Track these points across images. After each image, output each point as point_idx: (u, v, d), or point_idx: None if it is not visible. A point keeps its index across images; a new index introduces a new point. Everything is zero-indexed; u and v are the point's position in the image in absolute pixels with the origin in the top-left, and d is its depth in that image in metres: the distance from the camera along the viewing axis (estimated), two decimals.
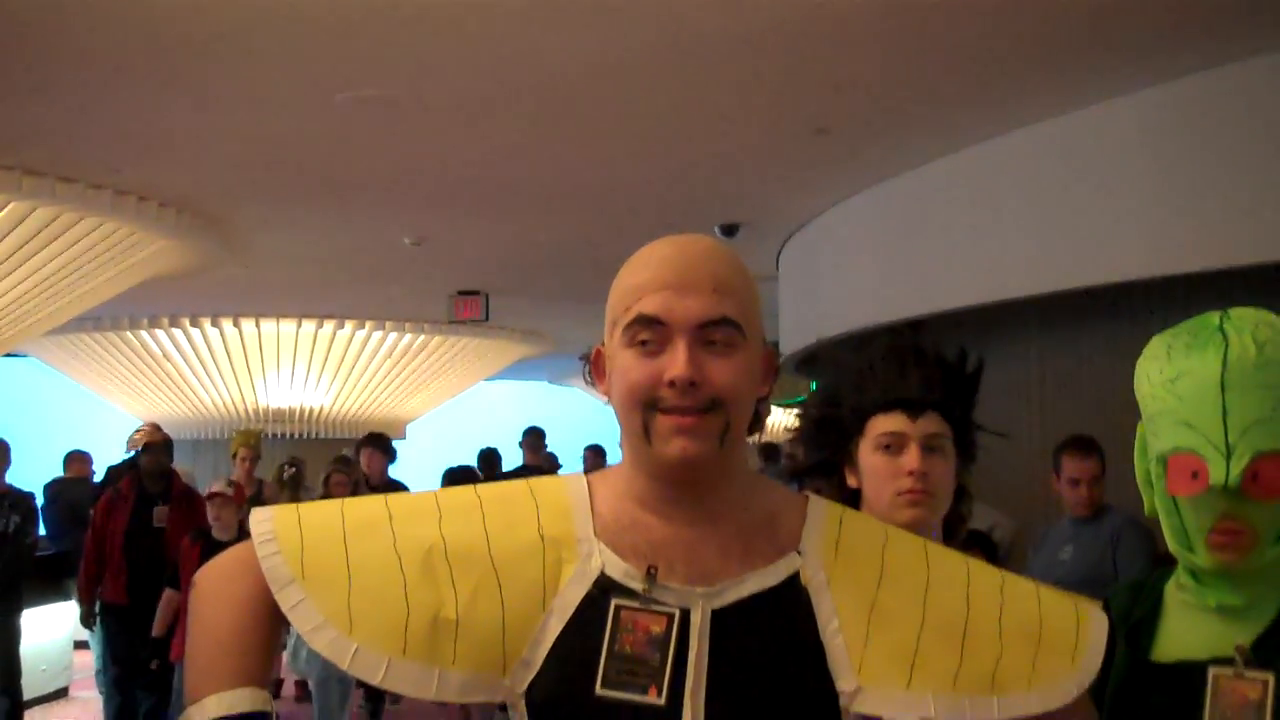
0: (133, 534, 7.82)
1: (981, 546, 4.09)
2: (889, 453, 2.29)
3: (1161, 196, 6.52)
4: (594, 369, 1.65)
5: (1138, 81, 6.50)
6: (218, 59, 6.12)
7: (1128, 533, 5.18)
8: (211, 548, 6.44)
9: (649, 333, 1.53)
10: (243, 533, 6.25)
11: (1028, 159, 7.45)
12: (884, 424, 2.30)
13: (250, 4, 5.43)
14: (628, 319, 1.55)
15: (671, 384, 1.51)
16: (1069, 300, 7.37)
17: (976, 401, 2.42)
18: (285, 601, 1.56)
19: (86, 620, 8.09)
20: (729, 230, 9.76)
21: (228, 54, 6.05)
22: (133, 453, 8.45)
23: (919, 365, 2.33)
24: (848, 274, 9.59)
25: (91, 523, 8.10)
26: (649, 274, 1.56)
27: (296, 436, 15.74)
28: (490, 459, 11.35)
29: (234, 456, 9.29)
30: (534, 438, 11.26)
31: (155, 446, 8.08)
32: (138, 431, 8.49)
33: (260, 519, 1.63)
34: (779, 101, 6.96)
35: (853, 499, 2.32)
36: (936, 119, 7.34)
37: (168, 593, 7.07)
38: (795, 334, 10.32)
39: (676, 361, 1.51)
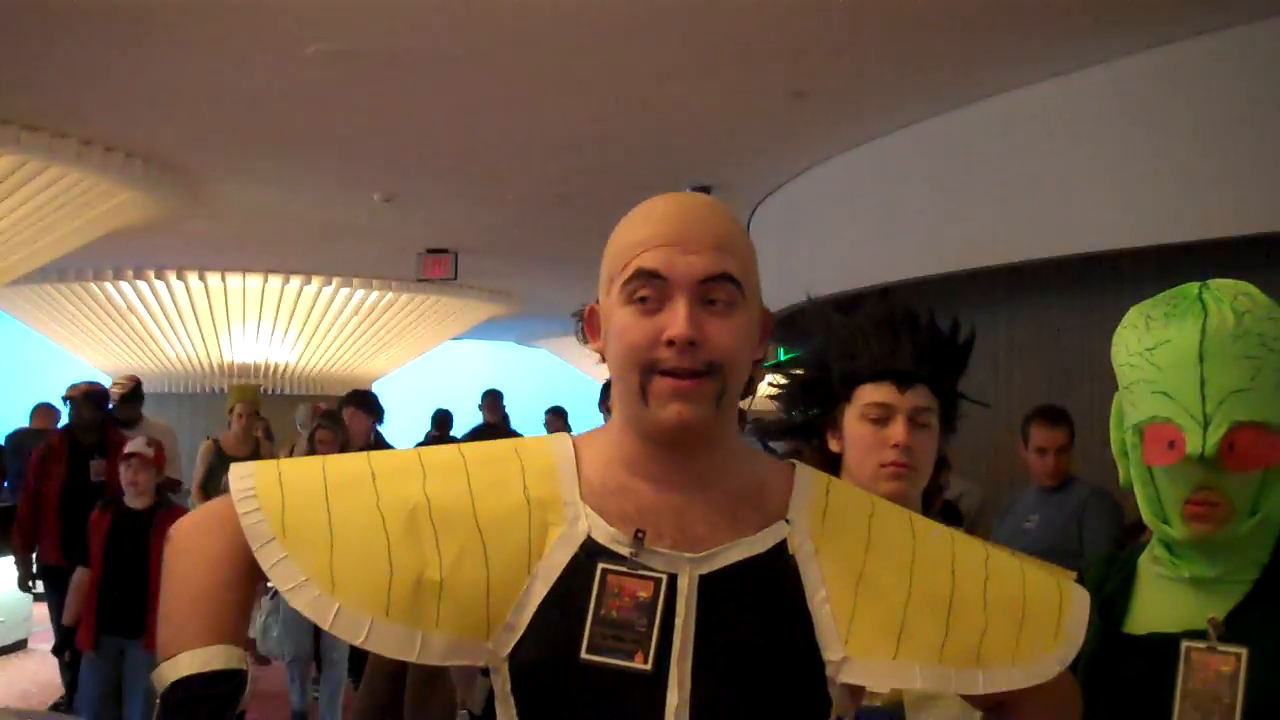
0: (69, 491, 7.38)
1: (946, 514, 4.09)
2: (875, 424, 2.26)
3: (1134, 167, 6.52)
4: (587, 326, 1.62)
5: (1112, 50, 6.50)
6: (187, 9, 6.04)
7: (1094, 503, 5.19)
8: (125, 518, 5.98)
9: (648, 288, 1.50)
10: (159, 502, 6.04)
11: (1001, 127, 7.44)
12: (872, 394, 2.27)
13: None
14: (626, 274, 1.52)
15: (670, 343, 1.48)
16: (1039, 270, 7.38)
17: (964, 372, 2.38)
18: (265, 560, 1.53)
19: (23, 583, 7.80)
20: (702, 191, 9.71)
21: (198, 4, 5.97)
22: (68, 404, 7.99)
23: (912, 336, 2.29)
24: (820, 239, 9.58)
25: (24, 480, 7.78)
26: (649, 229, 1.53)
27: (262, 392, 15.67)
28: (443, 420, 11.48)
29: (230, 412, 8.73)
30: (492, 399, 11.89)
31: (79, 399, 7.63)
32: (71, 387, 8.04)
33: (240, 475, 1.60)
34: (754, 63, 6.93)
35: (833, 464, 2.29)
36: (911, 84, 7.32)
37: (79, 572, 6.26)
38: (767, 298, 10.27)
39: (676, 320, 1.48)
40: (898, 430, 2.24)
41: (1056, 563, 1.79)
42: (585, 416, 11.40)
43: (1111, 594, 2.04)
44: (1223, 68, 6.15)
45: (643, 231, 1.53)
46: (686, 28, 6.28)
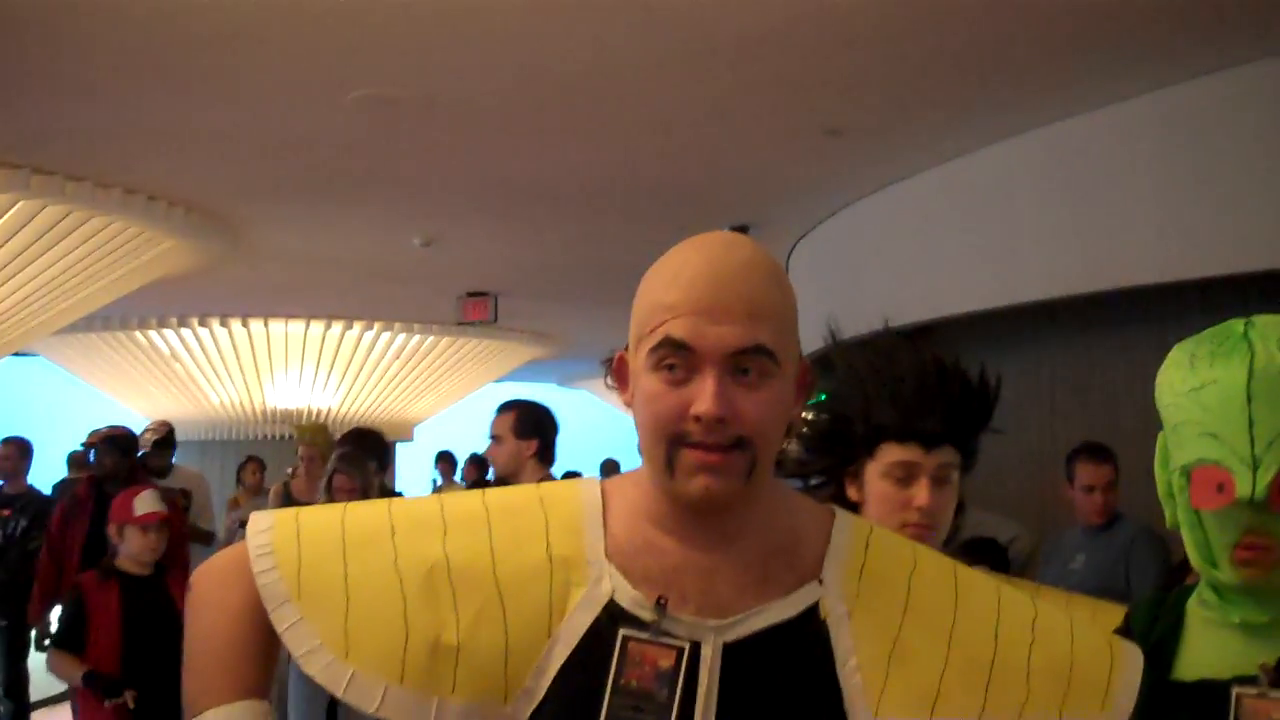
0: (91, 547, 6.60)
1: (993, 558, 4.04)
2: (898, 482, 2.23)
3: (1174, 201, 6.47)
4: (616, 375, 1.57)
5: (1151, 84, 6.45)
6: (228, 56, 6.09)
7: (1141, 542, 5.12)
8: (130, 589, 5.22)
9: (676, 358, 1.44)
10: (159, 565, 5.35)
11: (1040, 162, 7.40)
12: (897, 453, 2.23)
13: (261, 8, 5.40)
14: (654, 341, 1.46)
15: (698, 419, 1.43)
16: (1081, 305, 7.32)
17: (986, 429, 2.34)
18: (280, 622, 1.51)
19: (39, 642, 7.05)
20: (740, 230, 9.72)
21: (238, 52, 6.02)
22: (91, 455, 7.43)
23: (942, 394, 2.25)
24: (859, 277, 9.55)
25: (47, 534, 7.12)
26: (679, 293, 1.45)
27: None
28: (481, 463, 11.43)
29: (297, 455, 7.74)
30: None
31: (101, 444, 7.03)
32: (93, 432, 7.53)
33: (258, 528, 1.58)
34: (790, 102, 6.92)
35: (851, 510, 2.26)
36: (948, 121, 7.29)
37: (56, 656, 5.24)
38: (805, 338, 10.25)
39: (704, 395, 1.42)
40: (921, 493, 2.21)
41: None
42: (627, 457, 11.34)
43: (1160, 639, 2.00)
44: (1259, 102, 6.10)
45: (672, 295, 1.46)
46: (721, 68, 6.29)
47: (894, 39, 5.89)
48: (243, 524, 6.47)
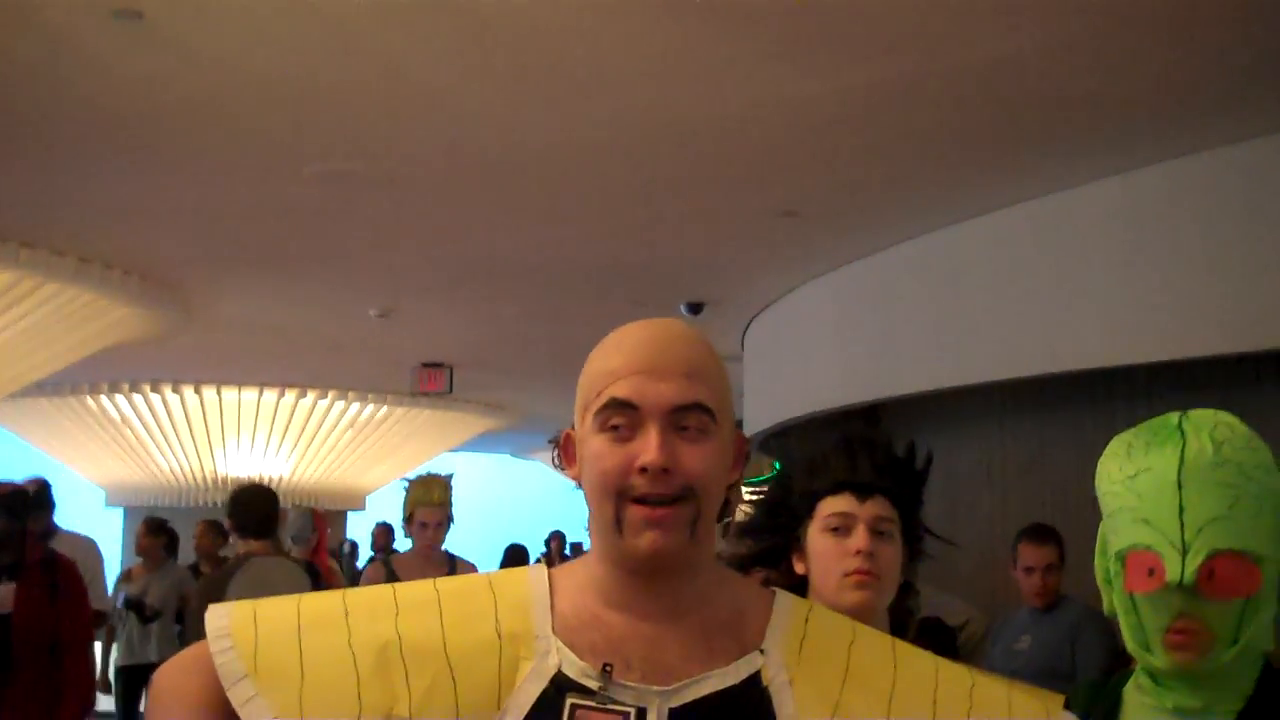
0: None
1: (941, 640, 4.04)
2: (837, 534, 2.32)
3: (1124, 286, 6.57)
4: (563, 453, 1.63)
5: (1102, 170, 6.57)
6: (185, 129, 6.12)
7: (1087, 624, 5.14)
8: None
9: (621, 417, 1.51)
10: None
11: (992, 245, 7.50)
12: (833, 505, 2.33)
13: (217, 76, 5.44)
14: (599, 403, 1.53)
15: (643, 470, 1.49)
16: (1032, 387, 7.39)
17: (924, 496, 2.45)
18: (237, 698, 1.54)
19: None
20: (695, 308, 9.79)
21: (195, 125, 6.05)
22: None
23: (869, 453, 2.36)
24: (813, 355, 9.62)
25: None
26: (621, 359, 1.55)
27: None
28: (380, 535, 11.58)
29: (407, 521, 5.97)
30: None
31: None
32: None
33: (216, 615, 1.61)
34: (746, 183, 7.01)
35: (800, 586, 2.31)
36: (903, 203, 7.39)
37: None
38: (760, 414, 10.33)
39: (649, 447, 1.49)
40: (859, 537, 2.29)
41: (1049, 686, 1.77)
42: (577, 531, 11.24)
43: None
44: (1208, 189, 6.22)
45: (615, 360, 1.55)
46: (677, 150, 6.37)
47: (849, 123, 5.97)
48: (128, 604, 6.22)
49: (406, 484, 5.93)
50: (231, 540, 7.28)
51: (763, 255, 8.71)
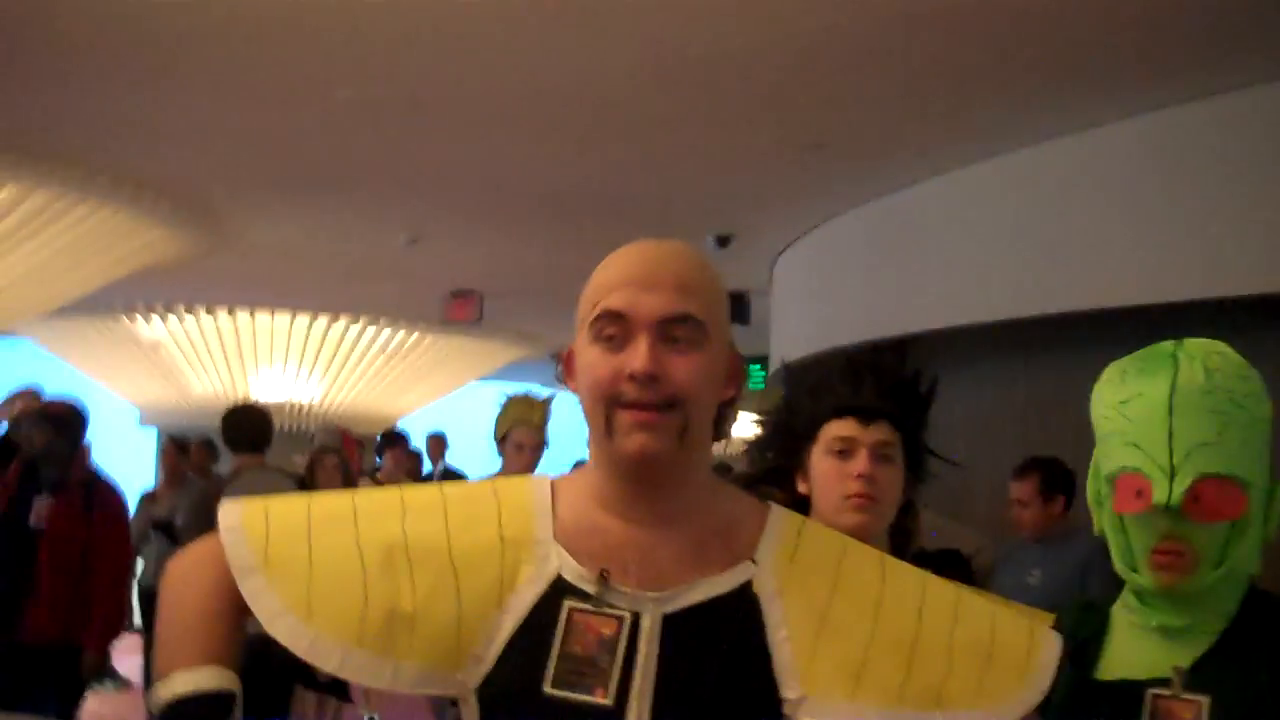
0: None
1: (958, 570, 4.09)
2: (840, 458, 2.35)
3: (1152, 223, 6.55)
4: (565, 369, 1.67)
5: (1128, 109, 6.54)
6: (218, 52, 6.15)
7: (1100, 557, 5.15)
8: None
9: (613, 327, 1.56)
10: None
11: (1019, 182, 7.48)
12: (836, 429, 2.36)
13: (250, 3, 5.47)
14: (593, 315, 1.58)
15: (632, 377, 1.54)
16: (1057, 324, 7.39)
17: (928, 419, 2.47)
18: (247, 589, 1.60)
19: None
20: (723, 240, 9.79)
21: (228, 47, 6.08)
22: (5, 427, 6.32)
23: (874, 377, 2.39)
24: (839, 289, 9.62)
25: None
26: (615, 272, 1.60)
27: (286, 429, 15.69)
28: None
29: (501, 440, 5.64)
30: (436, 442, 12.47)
31: (32, 419, 5.92)
32: (15, 397, 6.56)
33: (229, 510, 1.67)
34: (774, 115, 7.00)
35: (803, 505, 2.36)
36: (930, 139, 7.38)
37: None
38: (787, 346, 10.34)
39: (638, 355, 1.54)
40: (860, 461, 2.32)
41: None
42: None
43: (1085, 640, 2.08)
44: (1233, 128, 6.22)
45: (609, 274, 1.61)
46: (705, 80, 6.36)
47: (878, 56, 5.97)
48: (155, 525, 6.24)
49: (503, 402, 5.66)
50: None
51: (790, 188, 8.69)
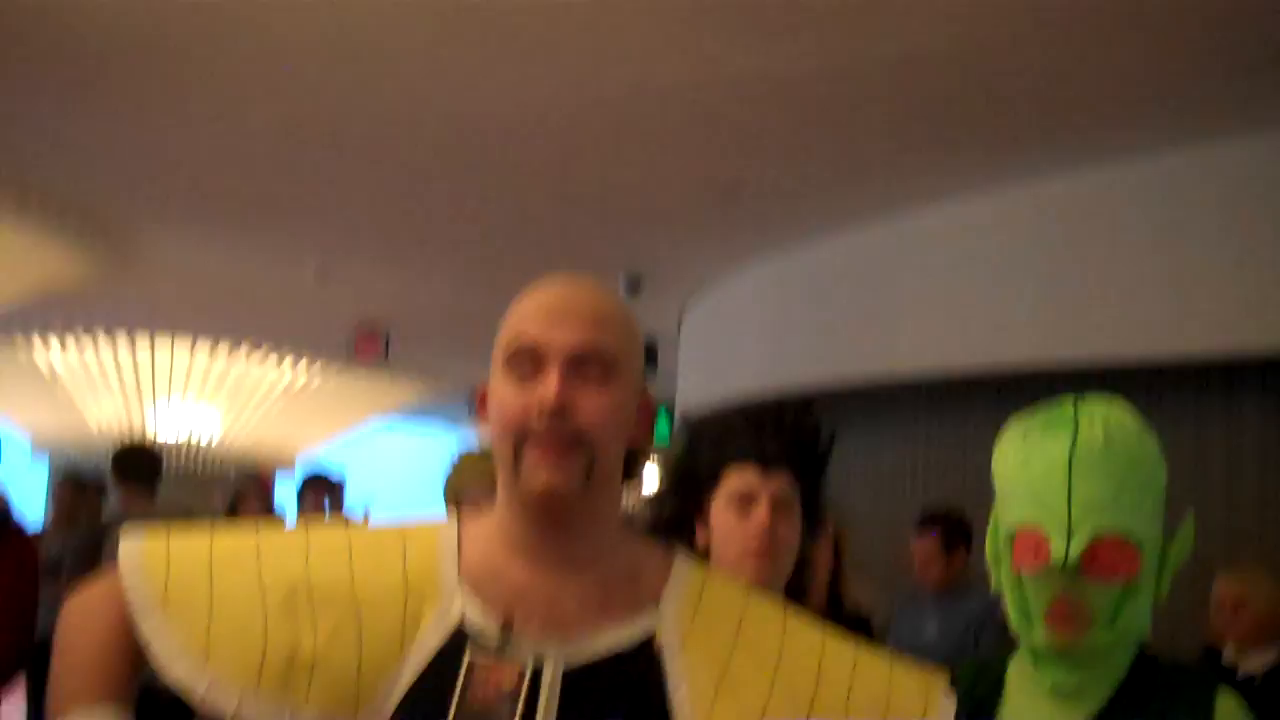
0: None
1: (856, 626, 4.10)
2: (740, 508, 2.34)
3: (1052, 287, 6.68)
4: (479, 406, 1.65)
5: (1034, 171, 6.66)
6: (131, 68, 6.08)
7: (994, 615, 5.21)
8: None
9: (526, 361, 1.55)
10: None
11: (925, 241, 7.59)
12: (737, 477, 2.36)
13: (168, 20, 5.41)
14: (506, 349, 1.57)
15: (541, 410, 1.52)
16: (960, 386, 7.48)
17: (827, 473, 2.49)
18: (145, 629, 1.56)
19: None
20: (633, 285, 9.79)
21: (141, 64, 6.02)
22: None
23: (776, 427, 2.39)
24: (746, 339, 9.67)
25: None
26: (529, 305, 1.60)
27: (182, 469, 15.36)
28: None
29: (453, 500, 5.05)
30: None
31: None
32: None
33: (129, 547, 1.63)
34: (689, 160, 7.05)
35: (702, 557, 2.34)
36: (840, 193, 7.47)
37: None
38: (693, 396, 10.38)
39: (547, 387, 1.52)
40: (761, 512, 2.32)
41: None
42: None
43: (981, 699, 2.08)
44: (1135, 193, 6.43)
45: (525, 308, 1.60)
46: (619, 119, 6.40)
47: (795, 107, 6.03)
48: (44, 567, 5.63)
49: (454, 459, 5.35)
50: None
51: (701, 235, 8.76)
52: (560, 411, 1.52)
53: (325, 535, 1.67)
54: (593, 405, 1.54)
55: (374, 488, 11.79)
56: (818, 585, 3.94)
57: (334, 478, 8.49)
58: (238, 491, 7.52)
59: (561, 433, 1.52)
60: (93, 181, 8.28)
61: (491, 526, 1.64)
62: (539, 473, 1.53)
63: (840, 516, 4.17)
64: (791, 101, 5.97)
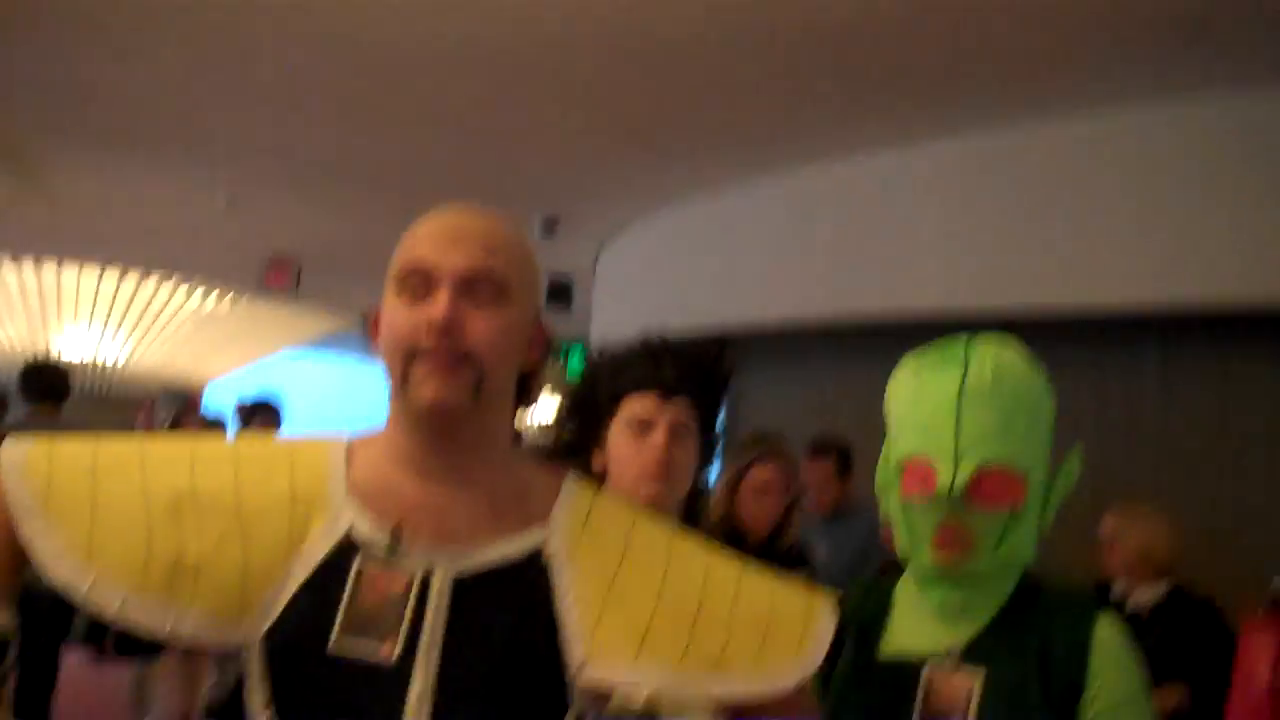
0: None
1: (793, 560, 4.18)
2: (638, 433, 2.38)
3: (957, 237, 6.80)
4: (371, 329, 1.67)
5: (946, 124, 6.76)
6: None
7: (881, 540, 5.34)
8: None
9: (416, 280, 1.59)
10: None
11: (839, 189, 7.67)
12: (635, 404, 2.39)
13: None
14: (400, 273, 1.61)
15: (430, 328, 1.55)
16: (869, 331, 7.58)
17: (724, 400, 2.53)
18: (26, 530, 1.57)
19: None
20: (549, 225, 9.81)
21: None
22: None
23: (674, 357, 2.43)
24: (659, 280, 9.74)
25: None
26: (423, 230, 1.63)
27: (88, 391, 15.23)
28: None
29: None
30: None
31: None
32: None
33: (11, 450, 1.63)
34: (604, 101, 7.05)
35: (599, 481, 2.40)
36: (757, 137, 7.50)
37: None
38: (607, 333, 10.44)
39: (437, 306, 1.56)
40: (658, 437, 2.36)
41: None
42: None
43: (869, 618, 2.18)
44: (1043, 149, 6.50)
45: (418, 232, 1.64)
46: (534, 60, 6.37)
47: (707, 48, 6.03)
48: None
49: None
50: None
51: (617, 177, 8.76)
52: (449, 329, 1.55)
53: (211, 447, 1.69)
54: (481, 326, 1.58)
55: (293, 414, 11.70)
56: (760, 513, 4.04)
57: (274, 403, 8.48)
58: (177, 414, 7.46)
59: (450, 350, 1.56)
60: (2, 106, 8.13)
61: (380, 443, 1.67)
62: (427, 386, 1.56)
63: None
64: (711, 48, 6.00)
